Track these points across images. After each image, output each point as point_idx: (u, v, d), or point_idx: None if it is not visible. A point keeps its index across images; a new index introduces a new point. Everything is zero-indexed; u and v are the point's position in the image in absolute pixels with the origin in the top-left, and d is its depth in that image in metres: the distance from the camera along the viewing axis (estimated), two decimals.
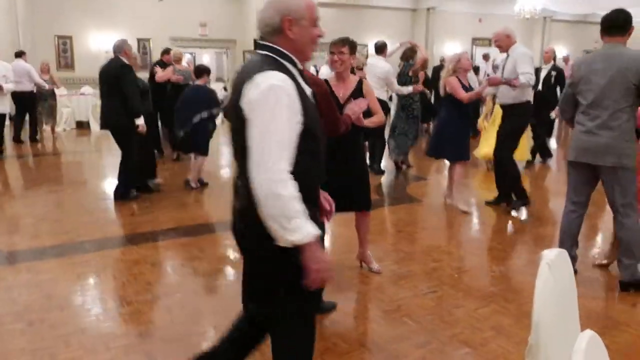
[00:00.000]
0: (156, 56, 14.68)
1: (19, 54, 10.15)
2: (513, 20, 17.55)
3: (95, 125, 12.23)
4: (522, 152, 7.10)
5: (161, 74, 8.46)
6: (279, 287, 1.86)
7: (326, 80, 3.69)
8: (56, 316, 3.35)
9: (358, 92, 3.70)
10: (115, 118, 5.89)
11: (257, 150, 1.66)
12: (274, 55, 1.82)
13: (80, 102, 12.75)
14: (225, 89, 13.33)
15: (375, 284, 3.88)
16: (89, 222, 5.33)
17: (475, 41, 20.08)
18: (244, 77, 1.75)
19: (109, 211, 5.76)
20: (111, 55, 6.08)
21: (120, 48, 5.91)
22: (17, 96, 9.89)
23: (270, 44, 1.83)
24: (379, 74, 7.11)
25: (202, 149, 6.72)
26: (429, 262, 4.34)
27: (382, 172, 7.65)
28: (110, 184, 6.56)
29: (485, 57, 14.55)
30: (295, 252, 1.71)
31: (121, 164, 6.06)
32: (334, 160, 3.55)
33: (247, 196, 1.73)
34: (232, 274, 4.08)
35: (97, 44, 14.46)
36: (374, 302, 3.64)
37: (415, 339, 3.08)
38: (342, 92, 3.69)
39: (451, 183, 5.92)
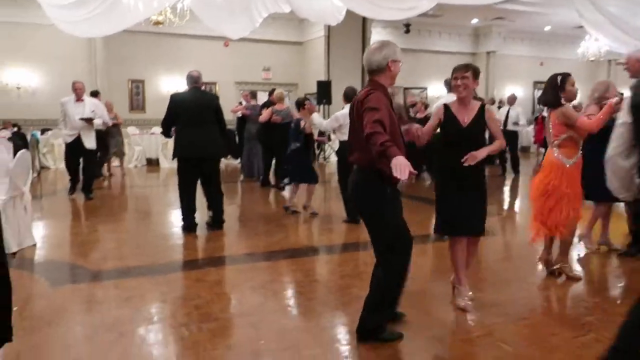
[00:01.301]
0: (222, 100, 15.36)
1: (94, 94, 10.70)
2: (576, 63, 17.29)
3: (164, 162, 12.70)
4: None
5: (262, 116, 8.86)
6: None
7: (447, 106, 3.76)
8: (145, 328, 3.40)
9: (480, 117, 3.69)
10: (217, 147, 6.02)
11: None
12: None
13: (151, 141, 13.32)
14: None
15: (463, 310, 3.75)
16: (167, 247, 5.46)
17: (537, 84, 19.84)
18: None
19: (185, 237, 5.87)
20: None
21: (201, 79, 6.13)
22: None
23: None
24: None
25: (303, 177, 6.94)
26: (516, 291, 4.17)
27: None
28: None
29: None
30: None
31: (216, 193, 6.15)
32: (456, 181, 3.68)
33: None
34: (312, 296, 4.04)
35: (166, 87, 15.18)
36: (464, 327, 3.50)
37: None
38: (465, 117, 3.70)
39: (592, 224, 5.33)
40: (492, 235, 6.21)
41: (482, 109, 3.71)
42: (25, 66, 13.57)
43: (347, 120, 6.32)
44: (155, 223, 6.95)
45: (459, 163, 3.57)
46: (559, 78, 4.34)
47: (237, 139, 11.75)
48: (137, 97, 15.16)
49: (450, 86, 7.57)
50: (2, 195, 4.93)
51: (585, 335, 3.32)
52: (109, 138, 10.95)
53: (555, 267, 4.51)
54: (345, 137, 6.53)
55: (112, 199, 8.98)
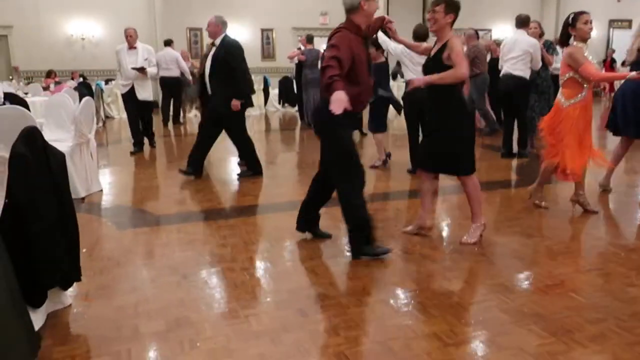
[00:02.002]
0: (279, 46, 15.25)
1: (168, 43, 10.89)
2: None
3: None
4: None
5: None
6: None
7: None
8: (208, 271, 3.44)
9: (439, 52, 3.65)
10: None
11: None
12: None
13: None
14: None
15: (530, 259, 3.59)
16: (227, 192, 5.54)
17: (613, 23, 18.41)
18: None
19: (243, 184, 5.91)
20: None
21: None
22: (166, 81, 10.60)
23: None
24: (527, 47, 6.61)
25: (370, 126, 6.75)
26: (588, 240, 3.95)
27: (518, 155, 7.12)
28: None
29: None
30: None
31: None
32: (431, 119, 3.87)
33: None
34: None
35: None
36: (531, 276, 3.34)
37: (587, 314, 2.76)
38: (432, 52, 3.77)
39: (615, 165, 5.15)
40: (556, 182, 5.91)
41: (445, 44, 3.61)
42: (89, 17, 13.84)
43: (408, 57, 5.90)
44: (215, 170, 7.03)
45: (425, 98, 3.82)
46: (572, 15, 4.19)
47: (294, 87, 11.66)
48: (195, 46, 15.22)
49: (519, 22, 7.10)
50: (69, 142, 5.07)
51: None
52: (185, 87, 11.16)
53: (529, 189, 4.78)
54: (409, 75, 6.00)
55: (174, 147, 9.17)
